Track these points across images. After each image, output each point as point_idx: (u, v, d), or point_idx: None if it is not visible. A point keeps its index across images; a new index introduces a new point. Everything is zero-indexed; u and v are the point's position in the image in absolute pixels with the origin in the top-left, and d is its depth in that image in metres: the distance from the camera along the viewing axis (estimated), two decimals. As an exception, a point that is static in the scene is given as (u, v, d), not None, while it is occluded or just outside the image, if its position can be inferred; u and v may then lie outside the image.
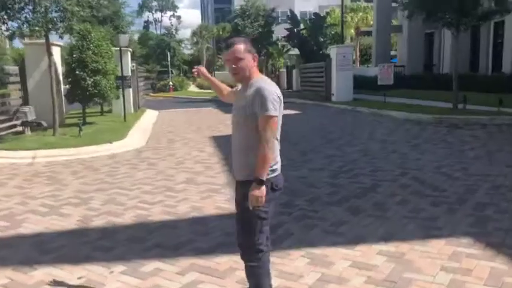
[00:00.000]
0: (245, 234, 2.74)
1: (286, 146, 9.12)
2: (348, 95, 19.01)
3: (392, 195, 5.55)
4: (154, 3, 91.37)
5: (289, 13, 28.35)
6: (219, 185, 6.41)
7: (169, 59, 38.04)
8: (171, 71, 49.35)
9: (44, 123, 10.86)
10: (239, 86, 2.88)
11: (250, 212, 2.63)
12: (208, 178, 6.84)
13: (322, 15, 28.36)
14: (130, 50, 17.48)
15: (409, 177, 6.38)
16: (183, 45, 67.39)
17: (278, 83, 29.87)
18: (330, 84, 19.86)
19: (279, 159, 2.77)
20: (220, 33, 47.69)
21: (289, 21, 28.44)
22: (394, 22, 32.28)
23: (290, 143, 9.58)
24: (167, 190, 6.19)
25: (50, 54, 9.88)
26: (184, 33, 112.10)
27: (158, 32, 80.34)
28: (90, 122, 12.65)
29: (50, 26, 9.25)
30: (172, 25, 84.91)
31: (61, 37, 9.82)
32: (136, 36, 45.25)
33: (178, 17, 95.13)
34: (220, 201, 5.60)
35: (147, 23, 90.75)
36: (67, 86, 12.43)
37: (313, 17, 27.82)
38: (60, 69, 12.55)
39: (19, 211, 5.39)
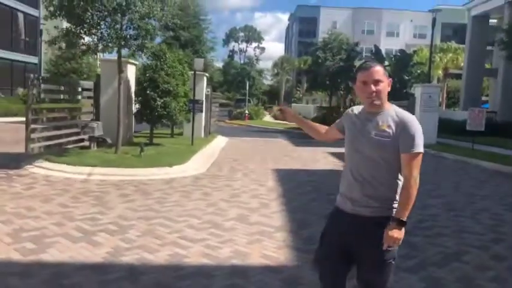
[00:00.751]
0: (379, 278, 2.50)
1: None
2: (431, 138, 17.46)
3: (483, 268, 4.42)
4: (241, 34, 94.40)
5: (373, 48, 27.39)
6: (272, 227, 5.62)
7: (247, 88, 38.19)
8: (249, 99, 49.93)
9: (109, 140, 10.79)
10: (355, 111, 2.63)
11: (385, 252, 2.41)
12: (261, 217, 6.08)
13: (408, 52, 27.03)
14: (207, 75, 17.44)
15: (506, 246, 5.16)
16: (263, 75, 68.37)
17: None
18: (412, 125, 18.42)
19: None
20: (302, 66, 47.56)
21: (372, 57, 27.44)
22: (486, 66, 30.00)
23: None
24: (214, 227, 5.51)
25: (120, 71, 9.82)
26: (267, 65, 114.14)
27: (242, 62, 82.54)
28: (156, 144, 12.48)
29: (123, 43, 9.17)
30: (256, 56, 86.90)
31: (133, 55, 9.73)
32: (219, 63, 46.50)
33: (263, 48, 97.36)
34: (270, 248, 4.80)
35: (232, 52, 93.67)
36: (137, 105, 12.40)
37: (398, 53, 26.55)
38: (133, 88, 12.59)
39: (51, 233, 4.96)
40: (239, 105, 43.06)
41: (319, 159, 12.89)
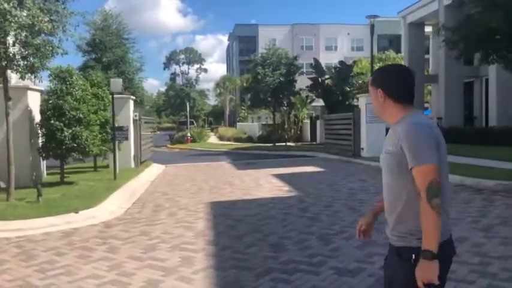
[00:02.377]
0: None
1: (301, 222, 6.76)
2: (380, 150, 16.32)
3: None
4: (182, 56, 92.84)
5: (313, 62, 26.58)
6: (189, 301, 3.99)
7: (188, 110, 36.41)
8: (192, 121, 48.10)
9: (2, 184, 8.76)
10: None
11: None
12: (179, 282, 4.45)
13: (348, 63, 26.45)
14: (133, 97, 15.61)
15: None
16: (207, 96, 66.79)
17: (301, 135, 27.85)
18: (359, 138, 17.47)
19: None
20: (244, 84, 46.58)
21: (313, 70, 26.64)
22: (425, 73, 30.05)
23: (307, 218, 7.12)
24: (103, 311, 3.80)
25: (7, 98, 7.91)
26: (212, 86, 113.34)
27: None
28: (68, 182, 10.49)
29: (5, 63, 7.29)
30: (196, 77, 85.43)
31: (22, 78, 7.84)
32: (162, 87, 44.47)
33: (205, 70, 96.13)
34: None
35: (174, 75, 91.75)
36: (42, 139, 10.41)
37: (338, 65, 25.87)
38: (38, 118, 10.59)
39: None
40: (182, 128, 41.28)
41: (263, 183, 11.40)
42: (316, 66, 26.14)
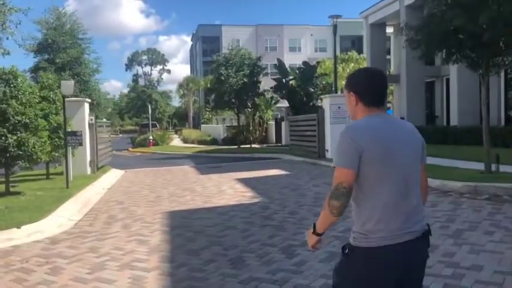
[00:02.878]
0: None
1: (264, 232, 6.14)
2: (344, 151, 16.35)
3: None
4: (144, 57, 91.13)
5: (277, 62, 26.31)
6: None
7: (150, 112, 35.44)
8: (155, 124, 47.02)
9: None
10: None
11: None
12: (124, 312, 3.93)
13: (312, 64, 26.32)
14: (88, 100, 14.80)
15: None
16: (170, 97, 65.52)
17: (266, 137, 27.46)
18: (324, 139, 17.28)
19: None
20: (208, 85, 45.92)
21: (277, 71, 26.36)
22: (387, 73, 30.36)
23: (271, 227, 6.72)
24: None
25: None
26: (175, 87, 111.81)
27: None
28: (15, 192, 9.69)
29: None
30: (158, 78, 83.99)
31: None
32: (125, 89, 43.33)
33: (168, 71, 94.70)
34: None
35: (136, 77, 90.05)
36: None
37: (302, 66, 25.70)
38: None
39: None
40: (144, 130, 40.27)
41: (225, 189, 10.94)
42: (280, 66, 25.87)
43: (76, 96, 13.03)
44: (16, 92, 9.16)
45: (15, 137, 8.93)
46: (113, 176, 14.75)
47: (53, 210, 8.12)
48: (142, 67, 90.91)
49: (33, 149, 9.10)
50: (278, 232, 6.41)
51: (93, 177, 13.52)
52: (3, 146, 8.83)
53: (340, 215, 2.05)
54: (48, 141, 10.20)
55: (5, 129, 8.87)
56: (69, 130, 12.21)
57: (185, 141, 37.19)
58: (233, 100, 24.96)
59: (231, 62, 24.63)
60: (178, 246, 6.00)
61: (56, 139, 11.85)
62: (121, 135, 47.77)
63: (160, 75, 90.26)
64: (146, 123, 41.42)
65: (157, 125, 48.12)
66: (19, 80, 9.30)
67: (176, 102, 73.52)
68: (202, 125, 46.86)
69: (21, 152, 8.99)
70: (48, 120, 12.27)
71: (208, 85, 44.85)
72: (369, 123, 2.13)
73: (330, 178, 8.38)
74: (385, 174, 2.05)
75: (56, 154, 12.12)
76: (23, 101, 9.26)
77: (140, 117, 41.71)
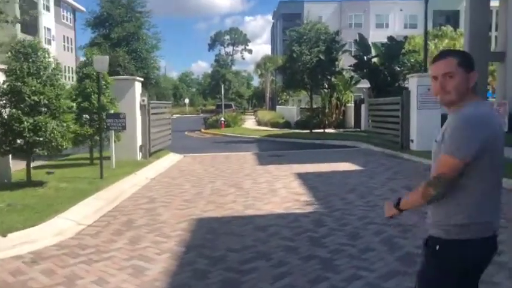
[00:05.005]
0: None
1: (306, 269, 4.14)
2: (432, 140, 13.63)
3: None
4: (227, 37, 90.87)
5: (357, 38, 23.53)
6: None
7: (222, 92, 34.24)
8: (230, 104, 46.04)
9: None
10: None
11: None
12: None
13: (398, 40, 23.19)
14: (140, 79, 13.47)
15: None
16: (252, 77, 64.30)
17: (343, 121, 24.98)
18: (408, 127, 14.61)
19: None
20: (287, 65, 43.94)
21: (357, 48, 23.60)
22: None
23: (318, 261, 4.70)
24: None
25: None
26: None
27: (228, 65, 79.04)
28: (35, 183, 8.46)
29: None
30: (243, 58, 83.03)
31: None
32: (208, 69, 42.79)
33: (250, 51, 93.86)
34: None
35: (218, 56, 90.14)
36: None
37: (387, 42, 22.70)
38: None
39: None
40: (219, 111, 39.42)
41: (278, 188, 9.01)
42: (361, 42, 23.08)
43: (132, 74, 11.75)
44: (35, 68, 7.88)
45: (31, 120, 7.69)
46: (165, 162, 13.43)
47: (61, 210, 6.76)
48: (224, 47, 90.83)
49: (51, 135, 7.80)
50: (325, 272, 4.40)
51: (142, 163, 12.28)
52: (18, 131, 7.63)
53: (430, 203, 2.13)
54: (71, 125, 8.89)
55: (19, 111, 7.64)
56: (112, 112, 11.00)
57: (259, 123, 35.69)
58: (306, 80, 22.70)
59: (305, 37, 22.30)
60: (180, 285, 4.24)
61: (97, 122, 10.68)
62: (202, 114, 47.48)
63: (242, 56, 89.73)
64: (221, 103, 40.55)
65: (233, 106, 47.10)
66: (39, 53, 8.01)
67: (256, 82, 72.52)
68: (278, 107, 45.11)
69: (38, 138, 7.73)
70: (90, 101, 11.18)
71: (287, 64, 42.98)
72: (484, 111, 2.08)
73: (413, 180, 6.13)
74: (495, 166, 2.04)
75: (98, 138, 10.97)
76: (44, 78, 7.98)
77: (214, 97, 40.82)
